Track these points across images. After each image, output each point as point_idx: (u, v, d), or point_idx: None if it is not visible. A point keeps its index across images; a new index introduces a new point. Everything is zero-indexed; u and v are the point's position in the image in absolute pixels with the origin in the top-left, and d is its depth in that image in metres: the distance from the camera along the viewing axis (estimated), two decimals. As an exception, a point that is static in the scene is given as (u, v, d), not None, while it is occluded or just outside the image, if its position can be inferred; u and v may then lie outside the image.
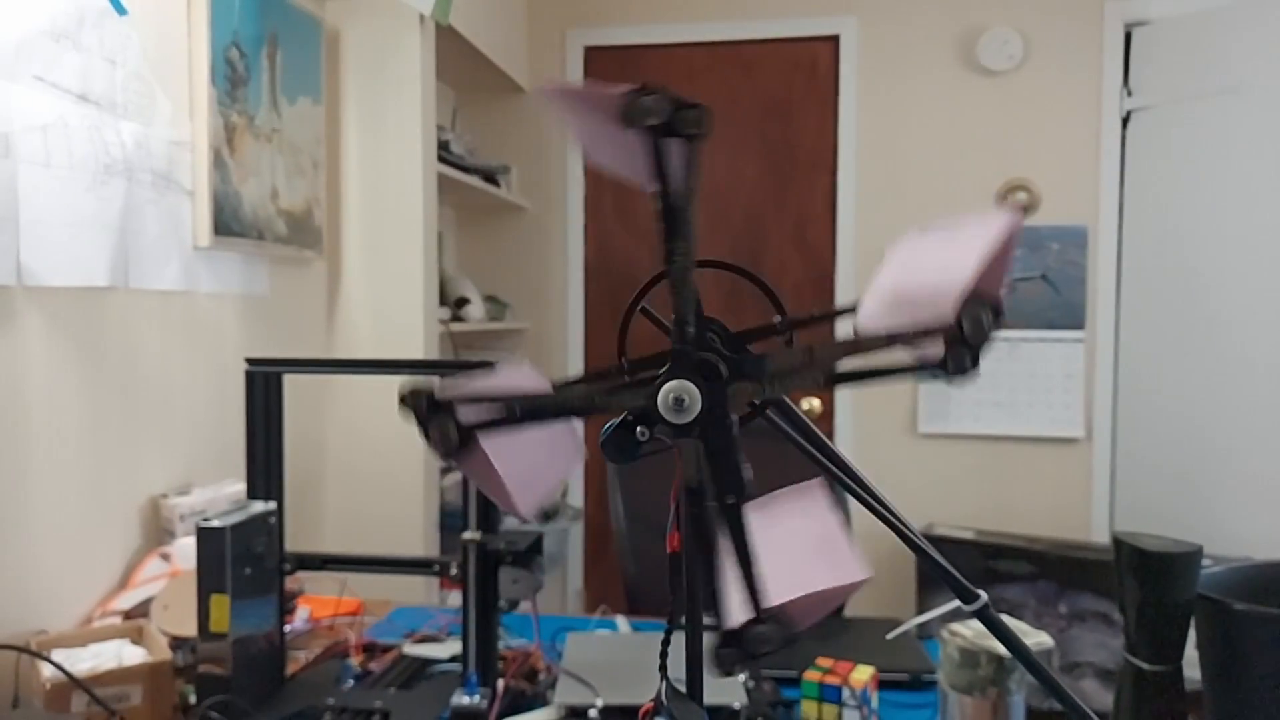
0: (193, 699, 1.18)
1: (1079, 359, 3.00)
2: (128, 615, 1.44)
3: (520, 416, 0.56)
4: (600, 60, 3.27)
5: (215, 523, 1.13)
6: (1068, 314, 3.00)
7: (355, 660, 1.37)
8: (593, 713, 1.14)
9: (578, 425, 0.63)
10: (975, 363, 0.49)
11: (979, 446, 3.06)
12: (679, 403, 0.55)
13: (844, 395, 3.12)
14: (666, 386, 0.55)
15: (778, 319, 0.60)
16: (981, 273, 0.50)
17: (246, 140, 1.84)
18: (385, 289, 2.27)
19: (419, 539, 2.26)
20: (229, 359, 1.84)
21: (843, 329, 0.57)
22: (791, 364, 0.55)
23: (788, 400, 0.65)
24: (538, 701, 1.23)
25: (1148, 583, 0.98)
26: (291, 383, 1.30)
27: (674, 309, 0.55)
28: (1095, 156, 2.98)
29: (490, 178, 2.96)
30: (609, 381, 0.59)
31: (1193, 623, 0.98)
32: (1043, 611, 2.63)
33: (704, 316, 0.58)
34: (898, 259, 0.56)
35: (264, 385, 1.26)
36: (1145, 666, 0.98)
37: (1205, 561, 0.98)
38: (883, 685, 1.25)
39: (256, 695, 1.19)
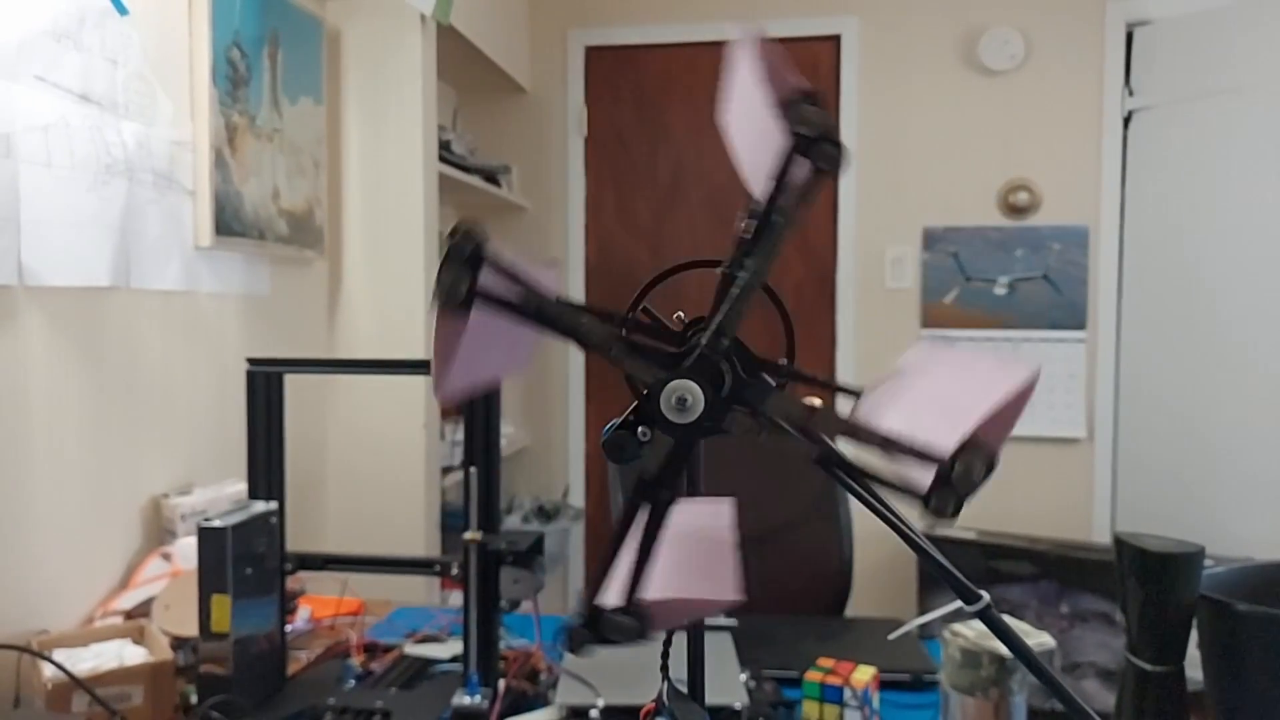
0: (194, 699, 1.18)
1: (1080, 359, 3.00)
2: (129, 615, 1.44)
3: (530, 314, 0.55)
4: (601, 60, 3.27)
5: (216, 523, 1.12)
6: (1069, 314, 3.00)
7: (356, 660, 1.37)
8: (594, 713, 1.14)
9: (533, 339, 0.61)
10: (957, 510, 0.49)
11: (980, 447, 3.06)
12: (682, 403, 0.55)
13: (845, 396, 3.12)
14: (672, 385, 0.55)
15: (783, 361, 0.60)
16: (987, 422, 0.49)
17: (248, 140, 1.84)
18: (386, 289, 2.27)
19: (420, 539, 2.26)
20: (230, 359, 1.84)
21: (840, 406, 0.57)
22: (789, 414, 0.56)
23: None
24: (539, 702, 1.23)
25: (1150, 583, 0.98)
26: (292, 383, 1.30)
27: (720, 314, 0.55)
28: (1096, 156, 2.98)
29: (491, 178, 2.96)
30: (616, 328, 0.58)
31: (1194, 623, 0.98)
32: (1044, 612, 2.62)
33: (690, 321, 0.59)
34: (913, 368, 0.56)
35: (265, 385, 1.26)
36: (1147, 667, 0.98)
37: (1207, 562, 0.98)
38: (884, 686, 1.25)
39: (257, 695, 1.19)
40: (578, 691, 1.18)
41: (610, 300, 3.30)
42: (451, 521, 2.39)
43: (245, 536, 1.15)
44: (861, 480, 0.65)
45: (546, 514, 3.19)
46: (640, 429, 0.58)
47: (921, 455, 0.50)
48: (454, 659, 1.37)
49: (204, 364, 1.78)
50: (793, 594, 1.94)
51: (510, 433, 3.23)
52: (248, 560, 1.16)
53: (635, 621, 0.52)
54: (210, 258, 1.77)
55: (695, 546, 0.59)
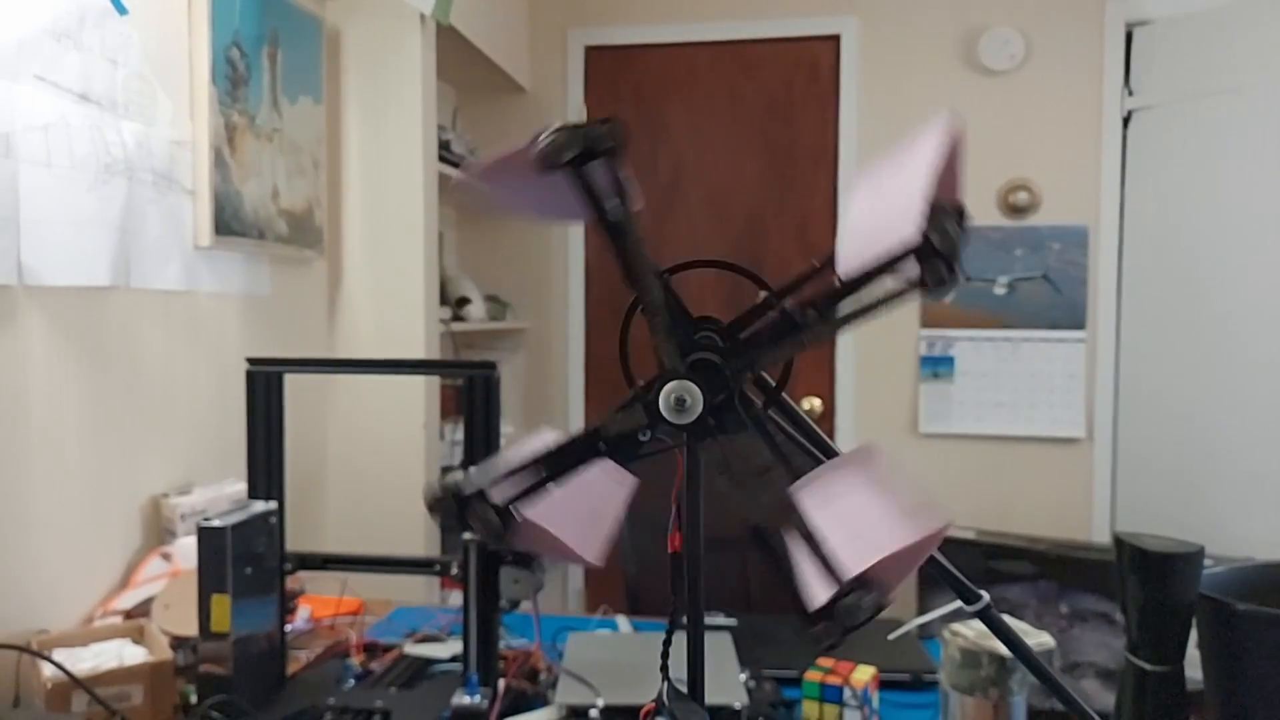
0: (194, 699, 1.18)
1: (1080, 359, 3.00)
2: (129, 615, 1.44)
3: (548, 476, 0.57)
4: (601, 60, 3.27)
5: (216, 522, 1.12)
6: (1069, 314, 3.00)
7: (356, 660, 1.37)
8: (594, 713, 1.14)
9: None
10: (952, 271, 0.49)
11: (980, 446, 3.06)
12: (680, 403, 0.55)
13: (845, 395, 3.12)
14: (667, 388, 0.55)
15: (763, 294, 0.60)
16: (936, 184, 0.50)
17: (247, 140, 1.84)
18: (386, 289, 2.27)
19: (420, 539, 2.26)
20: (230, 359, 1.84)
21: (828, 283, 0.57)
22: (788, 330, 0.56)
23: (788, 400, 0.65)
24: (538, 701, 1.23)
25: (1149, 583, 0.98)
26: (292, 382, 1.30)
27: (655, 335, 0.56)
28: (1096, 156, 2.98)
29: (491, 177, 2.96)
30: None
31: (1194, 623, 0.98)
32: (1044, 612, 2.62)
33: (696, 319, 0.59)
34: (856, 199, 0.56)
35: (265, 385, 1.26)
36: (1147, 667, 0.98)
37: (1207, 562, 0.98)
38: (884, 685, 1.25)
39: (257, 695, 1.19)
40: (577, 691, 1.18)
41: (609, 300, 3.30)
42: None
43: (245, 536, 1.15)
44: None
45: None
46: (640, 430, 0.58)
47: (903, 254, 0.50)
48: (454, 659, 1.37)
49: (204, 364, 1.78)
50: (792, 593, 1.93)
51: (510, 432, 3.23)
52: (247, 560, 1.16)
53: (866, 593, 0.51)
54: (210, 257, 1.77)
55: (870, 499, 0.57)
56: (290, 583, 1.30)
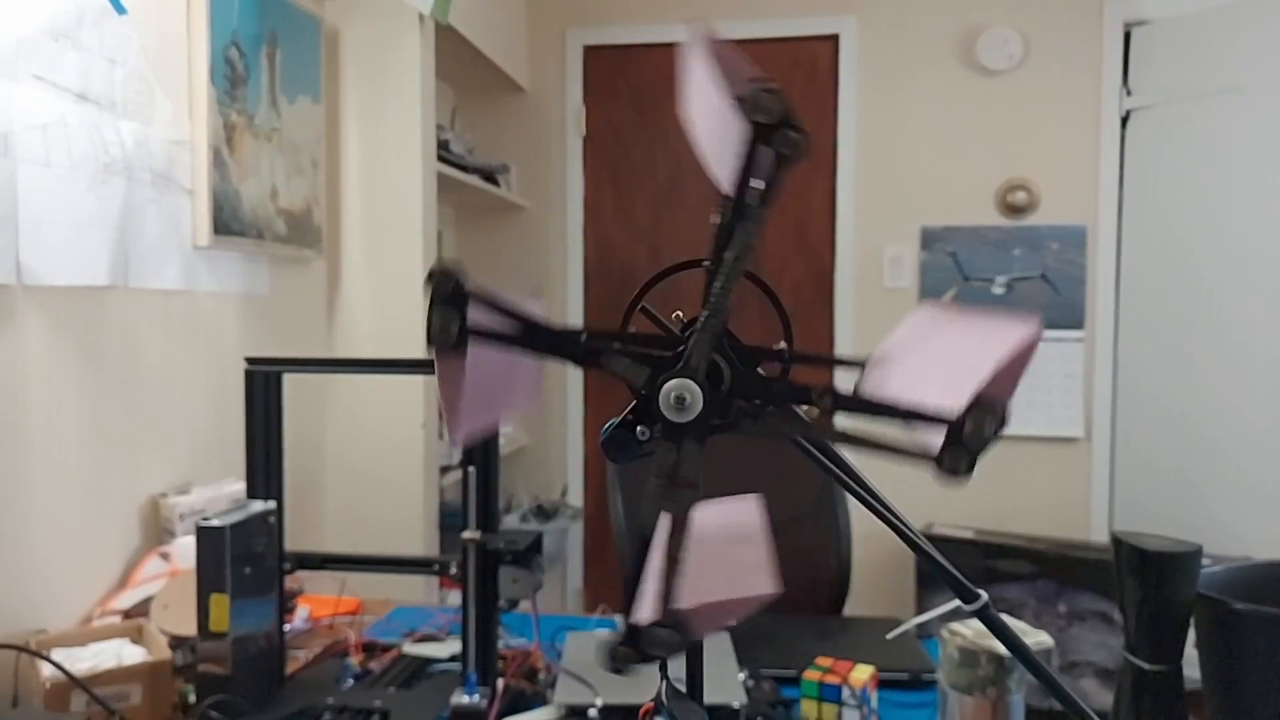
0: (192, 698, 1.18)
1: (1078, 358, 3.00)
2: (127, 614, 1.44)
3: (522, 340, 0.55)
4: (600, 60, 3.27)
5: (215, 522, 1.12)
6: (1067, 313, 3.00)
7: (355, 659, 1.37)
8: (592, 712, 1.14)
9: (536, 367, 0.62)
10: (970, 468, 0.49)
11: (978, 446, 3.06)
12: (680, 401, 0.55)
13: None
14: (670, 384, 0.55)
15: (782, 346, 0.60)
16: (993, 380, 0.49)
17: (246, 139, 1.84)
18: (385, 288, 2.27)
19: (419, 538, 2.26)
20: (229, 358, 1.84)
21: (841, 381, 0.57)
22: (795, 400, 0.55)
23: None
24: (537, 701, 1.23)
25: (1147, 582, 0.98)
26: (291, 382, 1.30)
27: (709, 313, 0.55)
28: (1095, 156, 2.98)
29: (490, 177, 2.96)
30: (609, 341, 0.58)
31: (1192, 622, 0.98)
32: (1042, 611, 2.63)
33: (691, 319, 0.59)
34: (912, 334, 0.56)
35: (264, 384, 1.26)
36: (1145, 666, 0.99)
37: (1205, 561, 0.98)
38: (882, 684, 1.25)
39: (256, 694, 1.19)
40: (576, 691, 1.18)
41: (608, 299, 3.30)
42: (450, 521, 2.39)
43: (244, 536, 1.15)
44: (860, 480, 0.65)
45: (545, 513, 3.19)
46: (639, 428, 0.58)
47: (932, 419, 0.50)
48: (452, 658, 1.37)
49: (203, 363, 1.78)
50: (791, 593, 1.93)
51: (509, 432, 3.23)
52: (246, 560, 1.16)
53: (674, 633, 0.51)
54: (209, 257, 1.77)
55: (722, 545, 0.58)
56: (289, 582, 1.30)
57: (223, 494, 1.70)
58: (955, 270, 3.06)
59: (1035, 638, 1.01)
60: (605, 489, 3.26)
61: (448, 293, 0.53)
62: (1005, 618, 0.69)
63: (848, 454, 0.62)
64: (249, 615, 1.18)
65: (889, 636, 1.27)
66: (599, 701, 1.15)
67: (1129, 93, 2.95)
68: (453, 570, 1.23)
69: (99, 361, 1.51)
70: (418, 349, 2.27)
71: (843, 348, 3.13)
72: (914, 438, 0.51)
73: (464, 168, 2.70)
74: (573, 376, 3.29)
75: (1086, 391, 3.00)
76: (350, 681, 1.30)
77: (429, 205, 2.29)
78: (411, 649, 1.41)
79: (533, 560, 1.22)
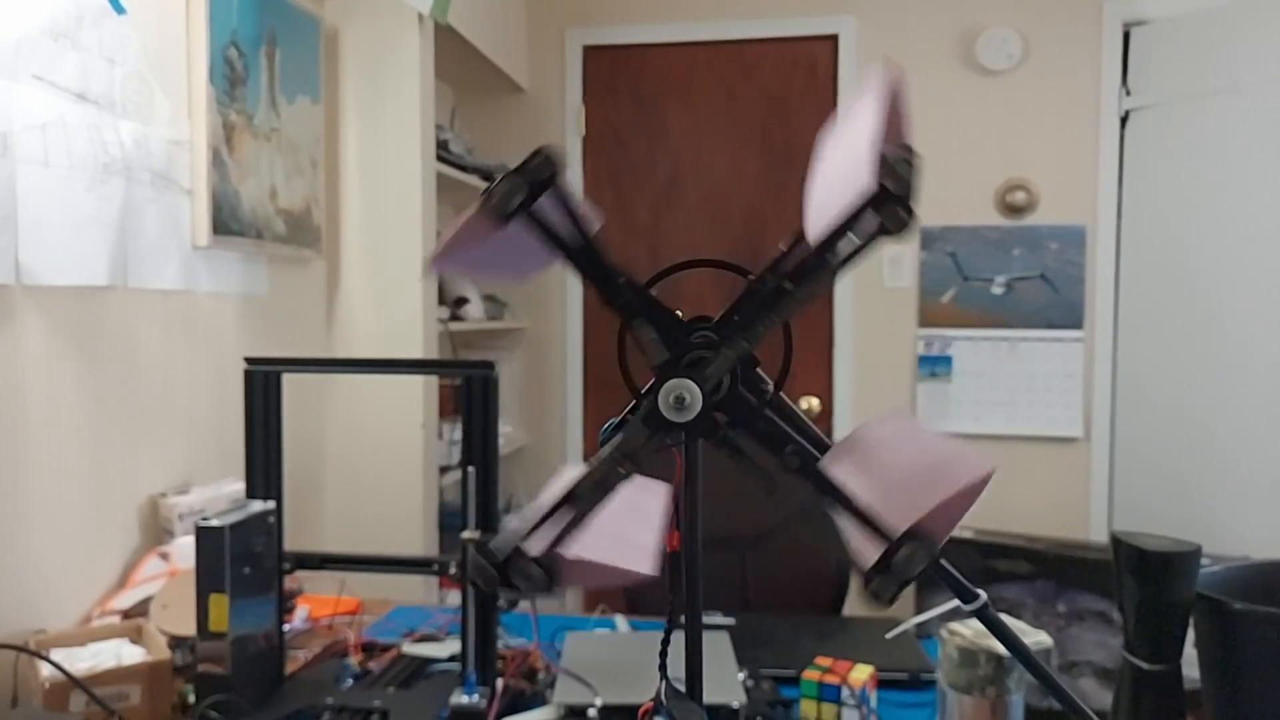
0: (192, 698, 1.18)
1: (1078, 358, 3.00)
2: (127, 614, 1.44)
3: (569, 251, 0.55)
4: (599, 60, 3.26)
5: (214, 522, 1.12)
6: (1066, 313, 3.00)
7: (354, 659, 1.37)
8: (592, 712, 1.14)
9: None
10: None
11: (978, 445, 3.06)
12: (680, 401, 0.55)
13: (843, 395, 3.12)
14: (667, 386, 0.55)
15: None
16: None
17: (245, 139, 1.84)
18: (384, 288, 2.27)
19: (418, 538, 2.26)
20: (228, 358, 1.84)
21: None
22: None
23: (786, 400, 0.65)
24: (537, 701, 1.23)
25: (1147, 582, 0.98)
26: (291, 382, 1.30)
27: (745, 337, 0.56)
28: (1094, 156, 2.98)
29: (489, 177, 2.96)
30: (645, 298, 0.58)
31: (1191, 622, 0.98)
32: (1041, 610, 2.63)
33: (690, 320, 0.59)
34: (889, 436, 0.58)
35: (263, 384, 1.26)
36: (1144, 665, 0.99)
37: (1204, 561, 0.98)
38: (882, 684, 1.25)
39: (255, 694, 1.19)
40: (576, 690, 1.18)
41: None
42: (450, 521, 2.39)
43: (243, 536, 1.15)
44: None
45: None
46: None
47: (875, 530, 0.51)
48: (452, 658, 1.37)
49: (202, 363, 1.78)
50: (790, 593, 1.94)
51: (508, 432, 3.23)
52: (246, 560, 1.16)
53: (544, 575, 0.53)
54: (208, 257, 1.77)
55: (623, 517, 0.59)
56: (288, 582, 1.30)
57: (222, 494, 1.70)
58: (955, 270, 3.06)
59: (1034, 637, 1.01)
60: (605, 489, 3.26)
61: (535, 174, 0.53)
62: (1004, 617, 0.69)
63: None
64: (248, 615, 1.18)
65: (888, 636, 1.27)
66: (598, 701, 1.15)
67: (1128, 93, 2.95)
68: (452, 570, 1.23)
69: (98, 361, 1.51)
70: (417, 348, 2.27)
71: (842, 347, 3.13)
72: (853, 539, 0.53)
73: (463, 168, 2.70)
74: (572, 377, 3.29)
75: (1086, 391, 3.00)
76: (350, 681, 1.30)
77: (428, 205, 2.29)
78: (411, 649, 1.41)
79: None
